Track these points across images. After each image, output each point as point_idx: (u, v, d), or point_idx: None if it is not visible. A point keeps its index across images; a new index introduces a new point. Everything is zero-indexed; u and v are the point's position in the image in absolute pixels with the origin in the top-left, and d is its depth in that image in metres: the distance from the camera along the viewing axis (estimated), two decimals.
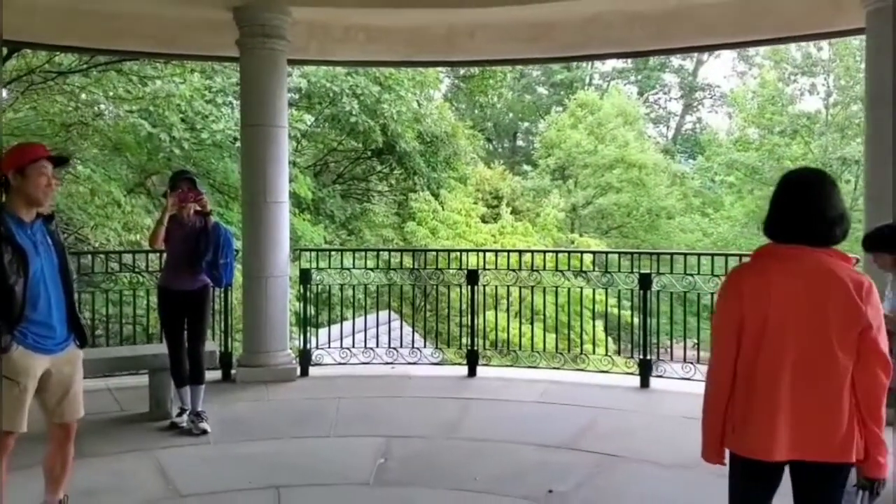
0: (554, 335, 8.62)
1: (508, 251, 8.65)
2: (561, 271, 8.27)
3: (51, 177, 3.79)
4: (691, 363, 7.32)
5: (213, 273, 5.86)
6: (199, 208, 5.82)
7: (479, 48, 8.37)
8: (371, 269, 8.60)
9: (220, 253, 5.82)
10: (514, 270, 8.05)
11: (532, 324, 9.77)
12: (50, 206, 4.01)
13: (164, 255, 6.16)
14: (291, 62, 8.02)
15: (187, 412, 5.90)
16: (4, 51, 9.71)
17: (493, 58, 10.14)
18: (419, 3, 7.40)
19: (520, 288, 8.51)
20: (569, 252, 10.47)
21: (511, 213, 20.42)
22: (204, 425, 5.75)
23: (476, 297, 7.85)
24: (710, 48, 11.57)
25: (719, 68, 38.21)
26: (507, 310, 11.78)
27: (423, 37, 8.23)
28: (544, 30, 7.88)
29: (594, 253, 8.85)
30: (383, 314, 10.26)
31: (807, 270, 2.54)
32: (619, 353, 9.04)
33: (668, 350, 8.16)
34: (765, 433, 2.57)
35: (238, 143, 12.74)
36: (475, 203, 20.22)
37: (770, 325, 2.54)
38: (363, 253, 8.96)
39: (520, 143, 37.69)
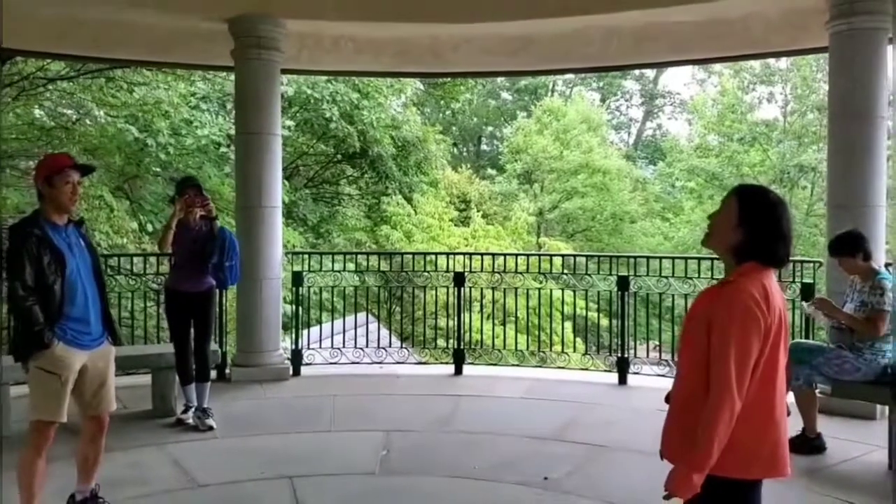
0: (528, 336, 8.99)
1: (493, 254, 8.97)
2: (543, 274, 8.65)
3: (76, 184, 4.06)
4: (666, 361, 7.76)
5: (219, 275, 6.13)
6: (204, 213, 6.08)
7: (462, 60, 8.71)
8: (360, 272, 8.87)
9: (226, 256, 6.09)
10: (499, 273, 8.41)
11: (513, 326, 10.11)
12: (77, 213, 4.27)
13: (171, 258, 6.40)
14: (282, 71, 8.28)
15: (193, 409, 6.15)
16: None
17: (477, 70, 10.50)
18: (404, 18, 7.67)
19: (498, 290, 8.87)
20: (550, 256, 10.84)
21: (481, 216, 20.82)
22: (210, 421, 6.02)
23: (462, 299, 8.19)
24: (681, 63, 12.08)
25: (679, 76, 39.14)
26: (482, 311, 12.13)
27: (408, 49, 8.53)
28: (524, 44, 8.22)
29: (574, 256, 9.19)
30: (365, 315, 10.54)
31: (775, 285, 2.61)
32: (594, 352, 9.40)
33: (643, 349, 8.59)
34: (783, 448, 2.61)
35: (220, 149, 13.03)
36: (446, 207, 20.57)
37: (776, 344, 2.53)
38: (343, 256, 9.20)
39: (484, 147, 38.13)
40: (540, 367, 8.40)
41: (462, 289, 8.13)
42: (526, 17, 7.39)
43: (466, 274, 8.40)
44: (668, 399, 2.73)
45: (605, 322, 14.19)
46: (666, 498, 2.53)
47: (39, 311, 3.82)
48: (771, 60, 27.15)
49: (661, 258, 8.59)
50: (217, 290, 6.47)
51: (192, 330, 6.21)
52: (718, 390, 2.43)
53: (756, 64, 27.71)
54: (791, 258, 2.71)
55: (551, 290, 10.52)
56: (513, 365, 8.44)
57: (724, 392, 2.41)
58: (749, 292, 2.47)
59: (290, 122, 14.62)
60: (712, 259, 8.32)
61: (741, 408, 2.44)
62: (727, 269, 2.63)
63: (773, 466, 2.58)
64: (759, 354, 2.47)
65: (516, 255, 9.30)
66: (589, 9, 7.15)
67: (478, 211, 21.50)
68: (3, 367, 5.18)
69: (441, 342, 9.88)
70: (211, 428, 5.99)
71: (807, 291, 6.92)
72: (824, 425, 5.65)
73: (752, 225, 2.54)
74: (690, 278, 8.00)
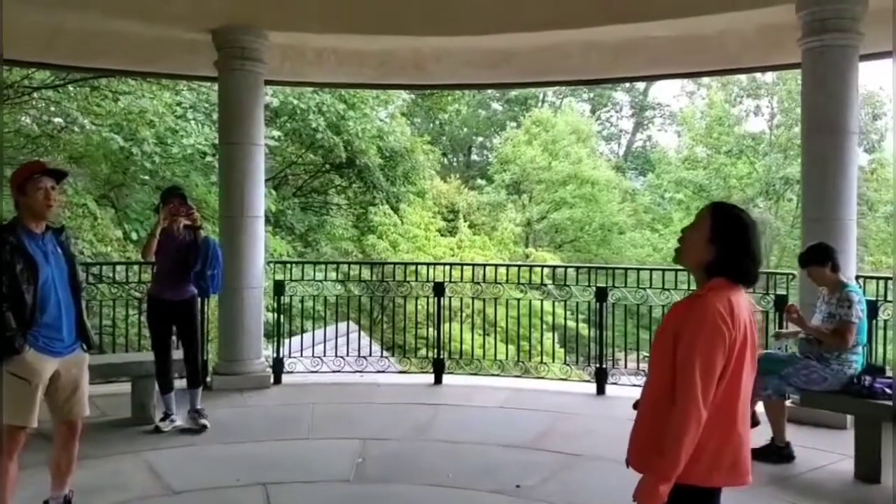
0: (511, 346, 9.05)
1: (474, 265, 9.05)
2: (523, 284, 8.73)
3: (49, 189, 4.10)
4: (643, 371, 7.83)
5: (200, 283, 6.21)
6: (188, 222, 6.16)
7: (444, 73, 8.83)
8: (342, 282, 8.92)
9: (208, 265, 6.17)
10: (478, 283, 8.49)
11: (494, 335, 10.19)
12: (57, 219, 4.32)
13: (154, 266, 6.46)
14: (266, 83, 8.36)
15: (170, 416, 6.23)
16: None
17: (458, 82, 10.61)
18: (386, 30, 7.78)
19: (482, 300, 8.94)
20: (530, 266, 10.93)
21: (468, 227, 20.91)
22: (204, 421, 6.18)
23: (441, 309, 8.26)
24: (660, 77, 12.23)
25: (669, 88, 39.40)
26: (466, 321, 12.21)
27: (391, 61, 8.62)
28: (505, 57, 8.34)
29: (553, 267, 9.29)
30: (344, 326, 10.61)
31: (743, 301, 2.67)
32: (575, 362, 9.48)
33: (623, 359, 8.67)
34: (745, 457, 2.66)
35: (206, 158, 13.09)
36: (433, 217, 20.67)
37: (741, 357, 2.58)
38: (325, 265, 9.28)
39: (474, 157, 38.23)
40: (519, 376, 8.46)
41: (442, 298, 8.20)
42: (504, 31, 7.50)
43: (448, 284, 8.48)
44: (636, 406, 2.79)
45: (587, 333, 14.28)
46: None
47: (11, 318, 3.88)
48: (757, 74, 27.43)
49: (639, 270, 8.68)
50: (199, 299, 6.52)
51: (173, 338, 6.28)
52: (684, 401, 2.49)
53: (743, 77, 27.98)
54: (760, 274, 2.75)
55: (530, 301, 10.59)
56: (492, 374, 8.50)
57: (690, 403, 2.48)
58: (716, 307, 2.53)
59: (277, 133, 14.70)
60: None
61: (706, 417, 2.50)
62: (698, 284, 2.70)
63: (735, 475, 2.64)
64: (724, 367, 2.53)
65: (496, 265, 9.38)
66: (565, 23, 7.26)
67: (465, 221, 21.59)
68: None
69: (424, 352, 9.94)
70: (205, 427, 6.14)
71: (780, 303, 7.02)
72: (794, 434, 5.75)
73: (724, 243, 2.62)
74: (668, 289, 8.09)
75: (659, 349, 2.66)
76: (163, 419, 6.25)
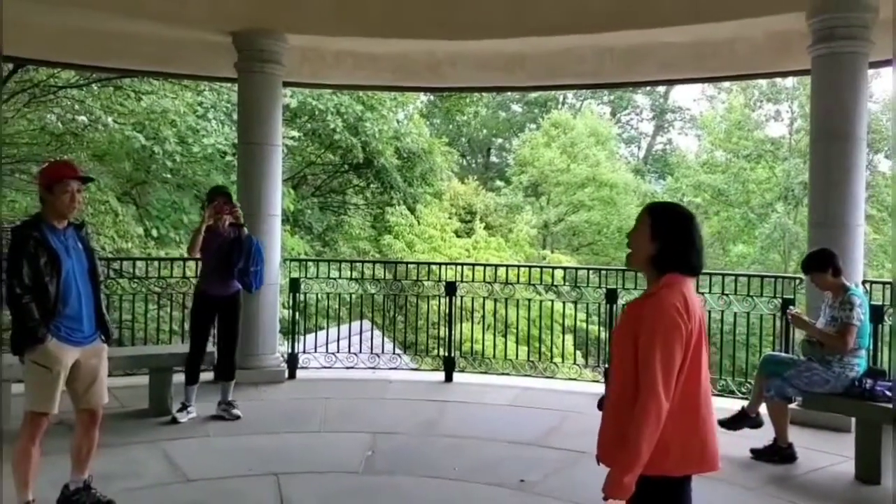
0: (525, 347, 9.14)
1: (486, 265, 9.17)
2: (533, 285, 8.83)
3: (75, 192, 4.29)
4: None
5: (244, 280, 6.46)
6: (233, 220, 6.39)
7: (459, 76, 8.96)
8: (356, 280, 9.07)
9: (251, 261, 6.42)
10: (489, 283, 8.61)
11: (505, 336, 10.30)
12: (77, 217, 4.50)
13: (200, 262, 6.73)
14: (284, 84, 8.53)
15: (188, 408, 6.43)
16: (10, 66, 10.12)
17: (473, 85, 10.75)
18: (402, 34, 7.93)
19: (494, 301, 9.06)
20: (541, 267, 11.04)
21: (484, 228, 21.02)
22: (236, 411, 6.46)
23: (453, 308, 8.39)
24: (672, 82, 12.28)
25: (690, 91, 39.27)
26: (482, 322, 12.33)
27: (407, 64, 8.81)
28: (519, 61, 8.49)
29: (564, 268, 9.39)
30: (362, 323, 10.77)
31: (694, 294, 2.78)
32: (586, 365, 9.57)
33: None
34: (712, 444, 2.76)
35: (227, 158, 13.32)
36: (449, 218, 20.80)
37: (698, 348, 2.68)
38: (341, 264, 9.45)
39: (493, 159, 38.34)
40: (529, 376, 8.57)
41: (454, 298, 8.33)
42: (517, 35, 7.62)
43: (461, 284, 8.60)
44: (600, 406, 2.91)
45: (603, 334, 14.34)
46: (604, 500, 2.68)
47: (35, 309, 4.06)
48: (778, 79, 27.30)
49: None
50: (242, 295, 6.71)
51: (213, 332, 6.54)
52: (645, 395, 2.58)
53: (763, 81, 27.88)
54: (700, 270, 2.80)
55: (541, 303, 10.70)
56: (503, 373, 8.61)
57: (651, 396, 2.56)
58: (671, 303, 2.63)
59: (296, 133, 14.90)
60: (710, 274, 8.45)
61: (670, 409, 2.59)
62: (649, 283, 2.80)
63: (703, 461, 2.74)
64: (683, 359, 2.62)
65: (508, 266, 9.48)
66: (578, 28, 7.38)
67: (482, 222, 21.70)
68: (5, 365, 5.42)
69: (438, 351, 10.07)
70: (237, 417, 6.42)
71: (786, 306, 7.08)
72: (798, 436, 5.83)
73: (665, 237, 2.73)
74: None
75: (619, 348, 2.77)
76: (180, 410, 6.44)
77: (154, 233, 12.20)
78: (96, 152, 12.46)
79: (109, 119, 11.96)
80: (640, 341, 2.63)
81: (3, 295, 4.10)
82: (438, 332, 10.50)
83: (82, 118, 12.13)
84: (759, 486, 5.21)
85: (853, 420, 6.09)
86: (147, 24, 7.66)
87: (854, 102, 6.51)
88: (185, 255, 7.20)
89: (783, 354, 6.27)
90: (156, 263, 8.52)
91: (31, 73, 12.00)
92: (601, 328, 10.52)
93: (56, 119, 12.17)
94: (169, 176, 12.96)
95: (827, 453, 5.80)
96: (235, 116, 9.95)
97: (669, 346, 2.60)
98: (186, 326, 8.45)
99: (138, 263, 8.85)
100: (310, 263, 9.34)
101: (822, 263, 5.62)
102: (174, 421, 6.35)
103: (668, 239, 2.73)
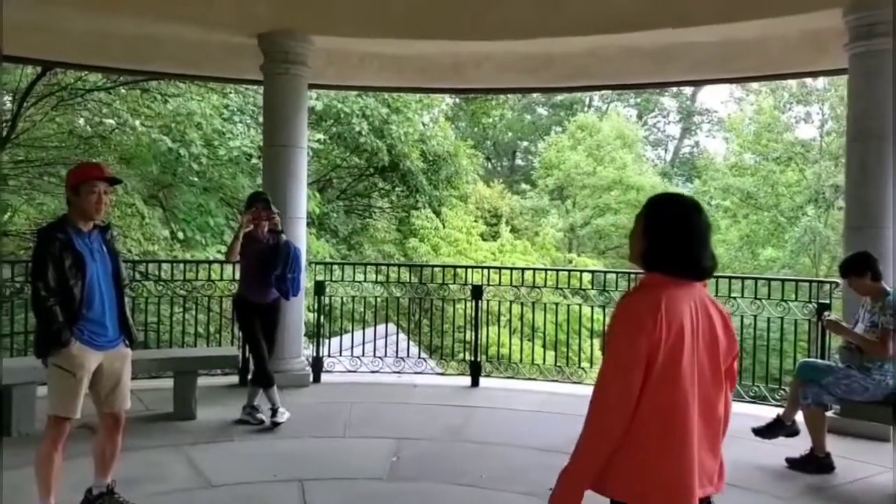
0: (552, 352, 9.02)
1: (512, 269, 9.08)
2: (560, 289, 8.72)
3: (101, 193, 4.23)
4: None
5: (281, 286, 6.38)
6: (271, 226, 6.35)
7: (484, 77, 8.89)
8: (381, 283, 9.01)
9: (289, 268, 6.34)
10: (515, 287, 8.51)
11: (532, 340, 10.17)
12: (104, 220, 4.46)
13: (238, 267, 6.73)
14: (310, 86, 8.49)
15: (278, 410, 6.38)
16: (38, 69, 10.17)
17: (498, 86, 10.65)
18: (427, 35, 7.87)
19: (520, 305, 8.96)
20: (568, 271, 10.90)
21: (510, 231, 20.91)
22: (261, 416, 6.43)
23: (479, 311, 8.30)
24: (704, 82, 12.10)
25: (717, 93, 38.89)
26: (508, 326, 12.22)
27: (432, 66, 8.75)
28: (545, 61, 8.39)
29: (592, 272, 9.26)
30: (387, 327, 10.73)
31: (696, 301, 2.45)
32: None
33: None
34: (688, 471, 2.38)
35: (252, 160, 13.34)
36: (475, 221, 20.71)
37: (676, 359, 2.35)
38: (366, 267, 9.39)
39: (519, 162, 38.21)
40: (556, 381, 8.46)
41: (480, 302, 8.24)
42: (543, 36, 7.52)
43: (487, 287, 8.50)
44: None
45: None
46: None
47: (59, 311, 4.02)
48: (808, 80, 26.94)
49: None
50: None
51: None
52: (594, 396, 2.36)
53: (793, 83, 27.51)
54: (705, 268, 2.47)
55: (568, 306, 10.57)
56: (529, 378, 8.50)
57: (598, 400, 2.34)
58: (638, 305, 2.37)
59: (321, 136, 14.89)
60: (742, 278, 8.26)
61: (638, 430, 2.33)
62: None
63: (674, 499, 2.38)
64: (650, 367, 2.31)
65: (534, 269, 9.38)
66: (605, 28, 7.26)
67: (507, 226, 21.60)
68: (31, 368, 5.39)
69: (463, 355, 9.99)
70: (262, 422, 6.37)
71: (822, 311, 6.91)
72: (835, 445, 5.67)
73: (654, 234, 2.45)
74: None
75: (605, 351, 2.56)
76: (273, 414, 6.36)
77: (180, 235, 12.25)
78: (124, 155, 12.54)
79: (136, 122, 12.02)
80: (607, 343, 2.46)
81: (2, 301, 4.07)
82: (464, 336, 10.39)
83: (110, 121, 12.23)
84: (793, 497, 5.07)
85: (892, 429, 5.94)
86: (174, 26, 7.67)
87: (891, 102, 6.33)
88: (211, 259, 7.16)
89: (820, 361, 6.10)
90: (181, 266, 8.49)
91: (60, 76, 12.10)
92: None
93: (84, 122, 12.26)
94: (195, 179, 13.00)
95: (866, 463, 5.63)
96: (261, 119, 9.96)
97: (625, 348, 2.32)
98: (212, 329, 8.41)
99: (164, 266, 8.83)
100: (335, 267, 9.30)
101: (861, 267, 5.46)
102: (275, 425, 6.29)
103: (657, 235, 2.44)
